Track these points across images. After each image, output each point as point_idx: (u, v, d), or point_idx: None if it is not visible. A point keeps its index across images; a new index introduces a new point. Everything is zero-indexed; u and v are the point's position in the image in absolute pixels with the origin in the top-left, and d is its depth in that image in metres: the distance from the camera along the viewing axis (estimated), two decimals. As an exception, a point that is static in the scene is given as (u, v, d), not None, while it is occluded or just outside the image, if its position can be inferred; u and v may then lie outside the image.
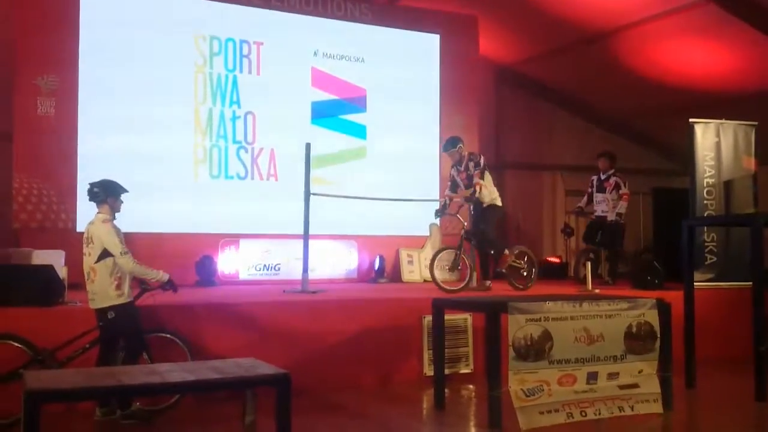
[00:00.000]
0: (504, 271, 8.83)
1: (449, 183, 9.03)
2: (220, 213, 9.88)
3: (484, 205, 8.69)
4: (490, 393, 5.38)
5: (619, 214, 9.87)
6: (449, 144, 8.89)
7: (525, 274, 8.99)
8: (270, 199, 10.14)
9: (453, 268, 8.68)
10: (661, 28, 10.25)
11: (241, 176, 10.20)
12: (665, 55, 10.91)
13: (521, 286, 8.81)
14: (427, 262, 9.28)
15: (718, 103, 10.66)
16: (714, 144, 9.50)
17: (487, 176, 8.72)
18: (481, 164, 8.60)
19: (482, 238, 8.68)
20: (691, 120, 9.52)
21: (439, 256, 8.66)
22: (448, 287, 8.36)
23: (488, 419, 5.41)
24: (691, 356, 6.94)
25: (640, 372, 5.72)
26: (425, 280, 10.25)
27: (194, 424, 5.67)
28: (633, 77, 11.56)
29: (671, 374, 5.93)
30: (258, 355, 4.90)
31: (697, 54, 10.76)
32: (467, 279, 8.75)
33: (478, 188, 8.49)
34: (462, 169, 8.74)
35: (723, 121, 9.57)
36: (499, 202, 8.83)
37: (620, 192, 9.89)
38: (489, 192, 8.69)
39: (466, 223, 8.69)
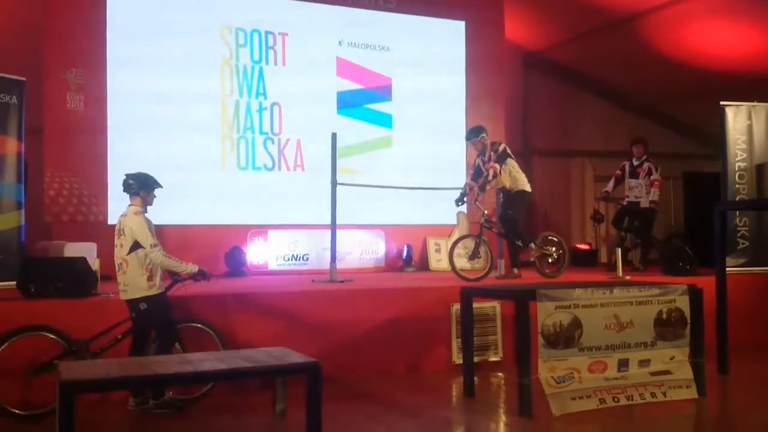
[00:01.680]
0: (532, 259, 8.76)
1: (472, 172, 8.93)
2: (248, 204, 9.96)
3: (513, 192, 8.62)
4: (519, 380, 5.37)
5: (653, 202, 9.77)
6: (472, 133, 8.81)
7: (553, 261, 8.82)
8: (297, 189, 10.19)
9: (473, 256, 8.54)
10: (691, 10, 10.07)
11: (268, 167, 10.26)
12: (695, 36, 10.73)
13: (550, 273, 8.68)
14: (454, 251, 9.22)
15: (749, 85, 10.48)
16: (746, 127, 9.35)
17: (512, 163, 8.59)
18: (499, 151, 8.52)
19: (512, 224, 8.61)
20: (722, 103, 9.36)
21: (459, 244, 8.57)
22: (467, 275, 8.26)
23: (518, 406, 5.40)
24: (724, 342, 6.85)
25: (671, 359, 5.67)
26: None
27: (226, 413, 5.72)
28: (662, 60, 11.38)
29: (703, 360, 5.89)
30: (288, 344, 4.94)
31: (728, 35, 10.56)
32: (488, 267, 8.65)
33: (491, 172, 8.36)
34: (486, 158, 8.64)
35: (755, 103, 9.40)
36: (528, 188, 8.71)
37: (651, 178, 9.78)
38: (514, 178, 8.57)
39: (486, 212, 8.58)
